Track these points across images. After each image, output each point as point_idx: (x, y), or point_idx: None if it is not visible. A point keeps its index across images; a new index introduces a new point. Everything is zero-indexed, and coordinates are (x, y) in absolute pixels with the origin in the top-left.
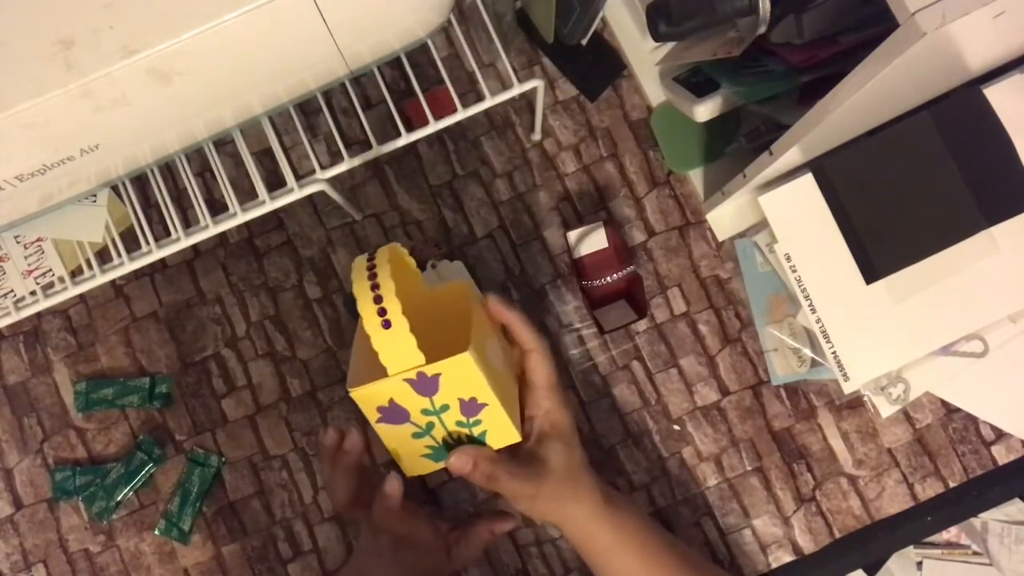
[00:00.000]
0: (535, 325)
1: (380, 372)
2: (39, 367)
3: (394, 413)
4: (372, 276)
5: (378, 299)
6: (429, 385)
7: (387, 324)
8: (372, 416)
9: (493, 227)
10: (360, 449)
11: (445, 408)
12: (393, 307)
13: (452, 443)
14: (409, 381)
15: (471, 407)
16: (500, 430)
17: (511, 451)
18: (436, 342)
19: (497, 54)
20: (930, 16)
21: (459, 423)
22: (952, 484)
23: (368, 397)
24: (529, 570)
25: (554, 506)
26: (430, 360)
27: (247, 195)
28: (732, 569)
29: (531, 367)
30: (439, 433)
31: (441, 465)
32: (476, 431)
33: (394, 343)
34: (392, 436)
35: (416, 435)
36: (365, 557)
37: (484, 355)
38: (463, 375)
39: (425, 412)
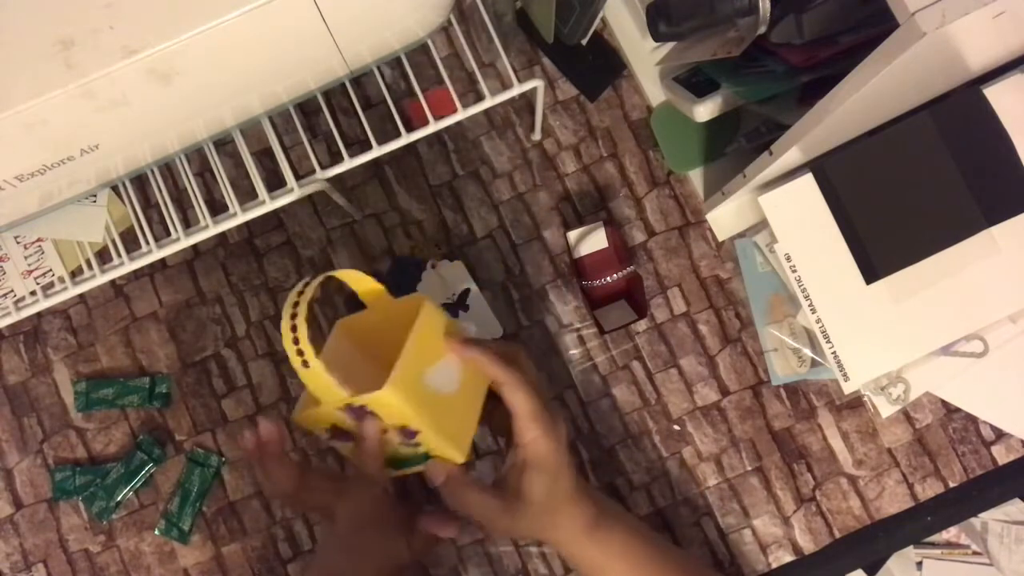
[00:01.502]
0: (511, 354)
1: (318, 402)
2: (39, 367)
3: (340, 434)
4: (293, 316)
5: (295, 340)
6: (362, 413)
7: (306, 364)
8: (323, 435)
9: (493, 227)
10: (278, 436)
11: (385, 431)
12: (308, 349)
13: (402, 459)
14: (343, 410)
15: (407, 432)
16: (441, 452)
17: (497, 475)
18: (391, 357)
19: (497, 54)
20: (930, 16)
21: (402, 443)
22: (952, 484)
23: (310, 422)
24: (529, 570)
25: (531, 534)
26: (358, 391)
27: (247, 195)
28: (732, 569)
29: (508, 400)
30: (389, 447)
31: (400, 473)
32: (421, 450)
33: (315, 380)
34: (347, 450)
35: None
36: (324, 550)
37: (415, 384)
38: (389, 407)
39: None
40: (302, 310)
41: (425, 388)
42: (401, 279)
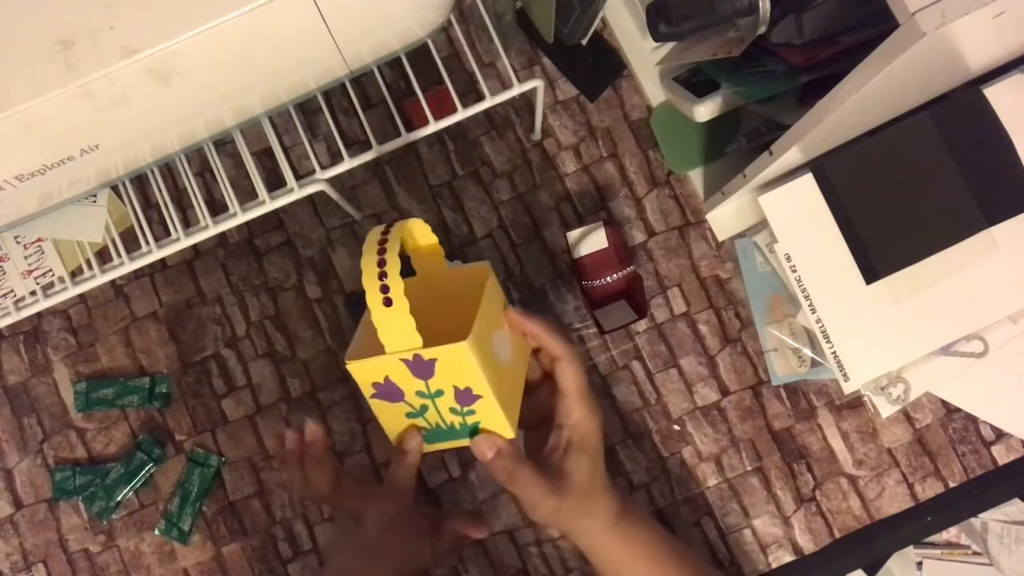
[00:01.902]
0: (563, 331)
1: (380, 348)
2: (39, 367)
3: (389, 391)
4: (381, 251)
5: (383, 275)
6: (425, 368)
7: (388, 302)
8: (367, 391)
9: (493, 227)
10: (322, 436)
11: (440, 393)
12: (396, 286)
13: (445, 428)
14: (405, 362)
15: (466, 396)
16: (493, 423)
17: (537, 458)
18: (444, 324)
19: (497, 54)
20: (930, 16)
21: (453, 410)
22: (952, 484)
23: (364, 371)
24: (529, 570)
25: (568, 519)
26: (428, 344)
27: (247, 195)
28: (732, 569)
29: (560, 375)
30: (432, 417)
31: (430, 448)
32: (469, 420)
33: (393, 322)
34: (386, 413)
35: (409, 415)
36: (342, 552)
37: (485, 346)
38: (459, 364)
39: (420, 394)
40: (393, 246)
41: (492, 352)
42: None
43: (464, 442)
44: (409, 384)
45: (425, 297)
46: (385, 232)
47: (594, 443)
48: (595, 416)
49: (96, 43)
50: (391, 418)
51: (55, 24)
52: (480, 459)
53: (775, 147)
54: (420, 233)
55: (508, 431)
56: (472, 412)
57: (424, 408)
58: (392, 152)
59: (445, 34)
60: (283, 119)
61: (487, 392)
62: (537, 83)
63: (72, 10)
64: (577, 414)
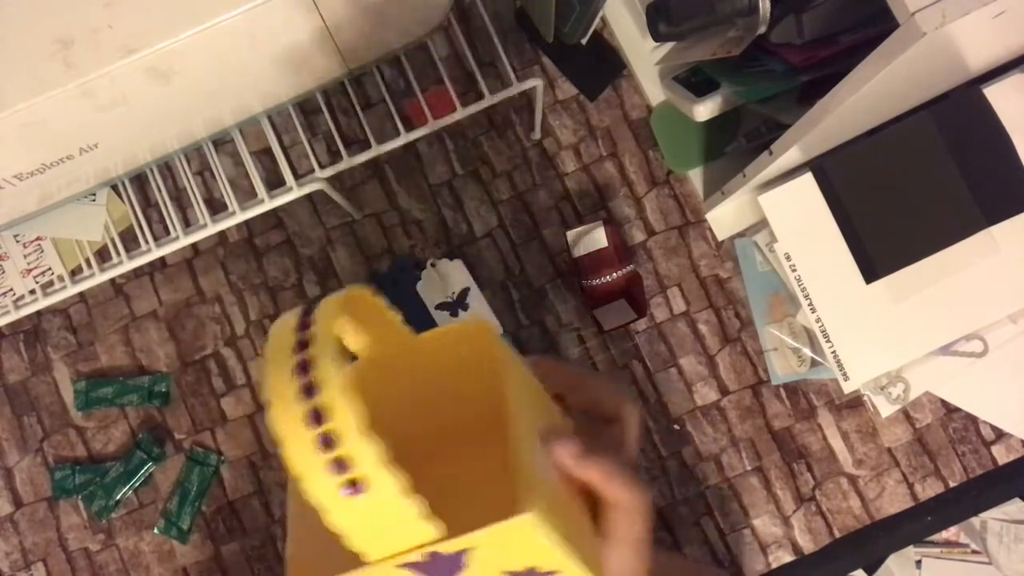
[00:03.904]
0: (631, 471)
1: (346, 553)
2: (39, 366)
3: None
4: (303, 368)
5: (326, 440)
6: (445, 565)
7: (354, 488)
8: None
9: (493, 226)
10: None
11: None
12: (362, 450)
13: None
14: (413, 567)
15: None
16: None
17: None
18: (444, 448)
19: (497, 54)
20: (930, 16)
21: None
22: (952, 484)
23: None
24: None
25: None
26: (449, 518)
27: (246, 194)
28: (732, 569)
29: (614, 521)
30: None
31: None
32: None
33: (376, 516)
34: None
35: None
36: None
37: (546, 491)
38: (518, 544)
39: None
40: (322, 351)
41: (551, 489)
42: (400, 278)
43: None
44: None
45: (391, 396)
46: (303, 326)
47: None
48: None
49: (95, 42)
50: None
51: (54, 23)
52: None
53: (775, 147)
54: (364, 313)
55: None
56: None
57: None
58: (391, 151)
59: (445, 34)
60: (282, 118)
61: (566, 566)
62: (536, 82)
63: (71, 10)
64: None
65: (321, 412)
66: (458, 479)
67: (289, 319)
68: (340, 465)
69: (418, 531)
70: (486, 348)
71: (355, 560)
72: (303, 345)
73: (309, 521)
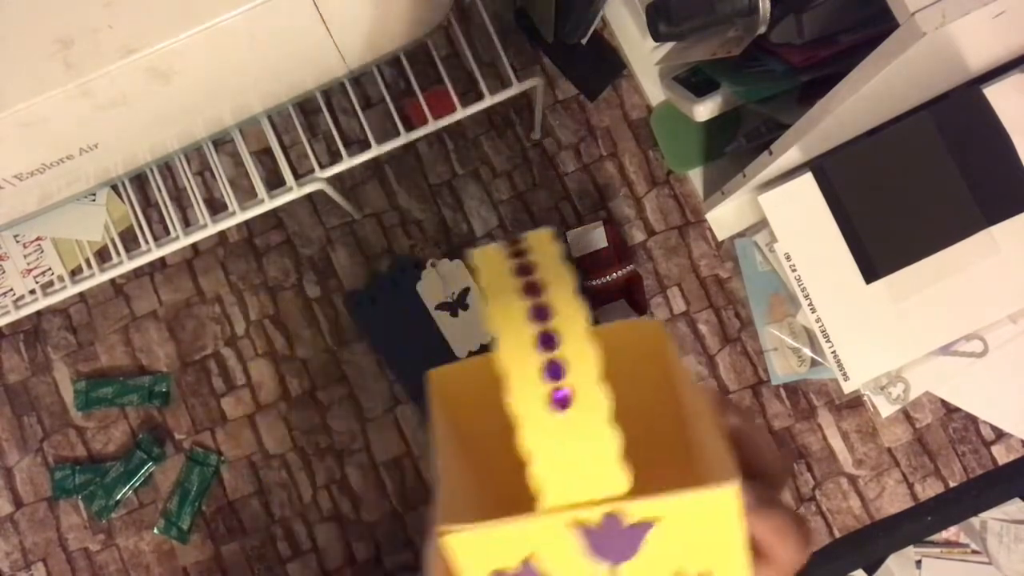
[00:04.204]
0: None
1: (514, 500)
2: (39, 366)
3: None
4: (532, 290)
5: (547, 340)
6: (619, 542)
7: (564, 401)
8: None
9: (493, 226)
10: None
11: None
12: (580, 363)
13: None
14: (583, 531)
15: None
16: None
17: None
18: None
19: (497, 54)
20: (930, 16)
21: None
22: (952, 484)
23: (478, 547)
24: None
25: None
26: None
27: (246, 194)
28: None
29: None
30: None
31: None
32: None
33: (573, 443)
34: None
35: None
36: None
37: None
38: (707, 527)
39: None
40: (555, 277)
41: None
42: (401, 278)
43: None
44: (574, 573)
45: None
46: (517, 253)
47: None
48: None
49: (95, 42)
50: None
51: (54, 23)
52: None
53: (775, 147)
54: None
55: None
56: None
57: None
58: (391, 151)
59: (445, 34)
60: (283, 118)
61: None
62: (536, 82)
63: (71, 9)
64: None
65: (546, 309)
66: (637, 456)
67: (491, 249)
68: (555, 370)
69: (609, 477)
70: (659, 345)
71: (523, 508)
72: (525, 269)
73: (462, 460)
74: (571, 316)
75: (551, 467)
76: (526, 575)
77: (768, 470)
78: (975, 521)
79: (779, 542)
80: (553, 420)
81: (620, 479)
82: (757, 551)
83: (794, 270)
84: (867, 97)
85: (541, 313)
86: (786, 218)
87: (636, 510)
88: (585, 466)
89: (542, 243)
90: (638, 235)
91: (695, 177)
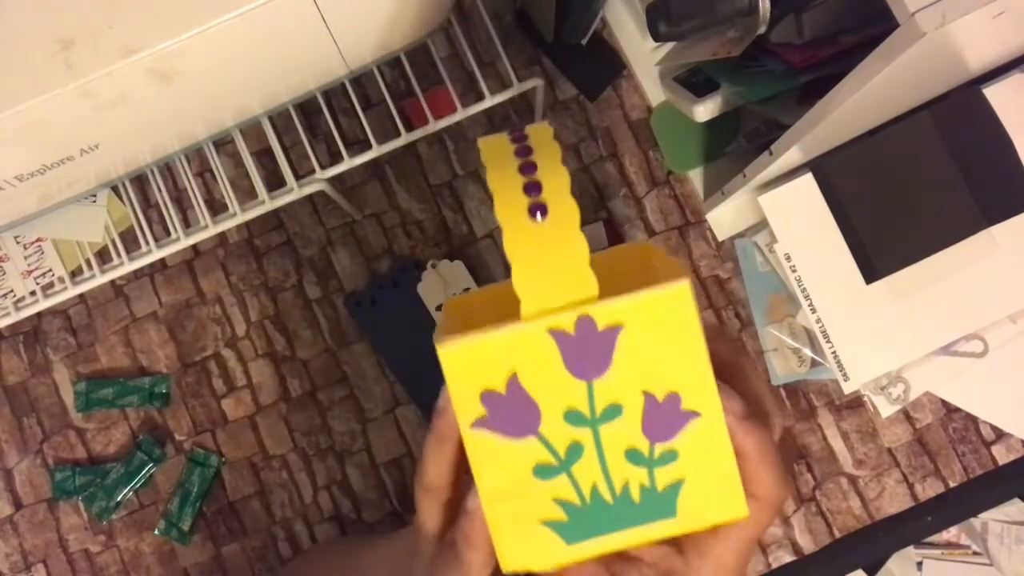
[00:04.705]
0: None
1: (501, 315)
2: (39, 367)
3: (509, 409)
4: (523, 150)
5: (528, 168)
6: (593, 351)
7: (539, 210)
8: (466, 412)
9: (493, 227)
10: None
11: (614, 414)
12: (556, 184)
13: (604, 506)
14: (557, 335)
15: (665, 417)
16: (713, 477)
17: None
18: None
19: (497, 54)
20: (930, 16)
21: (632, 454)
22: (952, 484)
23: (469, 364)
24: None
25: None
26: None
27: (247, 195)
28: None
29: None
30: (587, 475)
31: (578, 556)
32: (665, 477)
33: (547, 250)
34: (494, 465)
35: (542, 471)
36: None
37: None
38: (669, 332)
39: (572, 417)
40: (545, 150)
41: None
42: (401, 279)
43: (650, 532)
44: (554, 391)
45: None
46: (517, 139)
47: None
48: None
49: (96, 43)
50: (501, 479)
51: (55, 24)
52: None
53: (775, 147)
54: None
55: (740, 501)
56: (672, 455)
57: (574, 454)
58: (392, 152)
59: (445, 34)
60: (283, 119)
61: (713, 397)
62: (537, 83)
63: (72, 10)
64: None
65: (529, 148)
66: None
67: (499, 135)
68: (534, 189)
69: (580, 280)
70: (651, 255)
71: (508, 317)
72: (521, 140)
73: (465, 306)
74: (550, 156)
75: (529, 271)
76: (512, 394)
77: (756, 400)
78: (976, 522)
79: (762, 466)
80: (531, 226)
81: (590, 282)
82: (743, 482)
83: (794, 270)
84: (867, 97)
85: (527, 161)
86: (786, 218)
87: (604, 313)
88: (558, 270)
89: (541, 132)
90: (638, 235)
91: (695, 177)
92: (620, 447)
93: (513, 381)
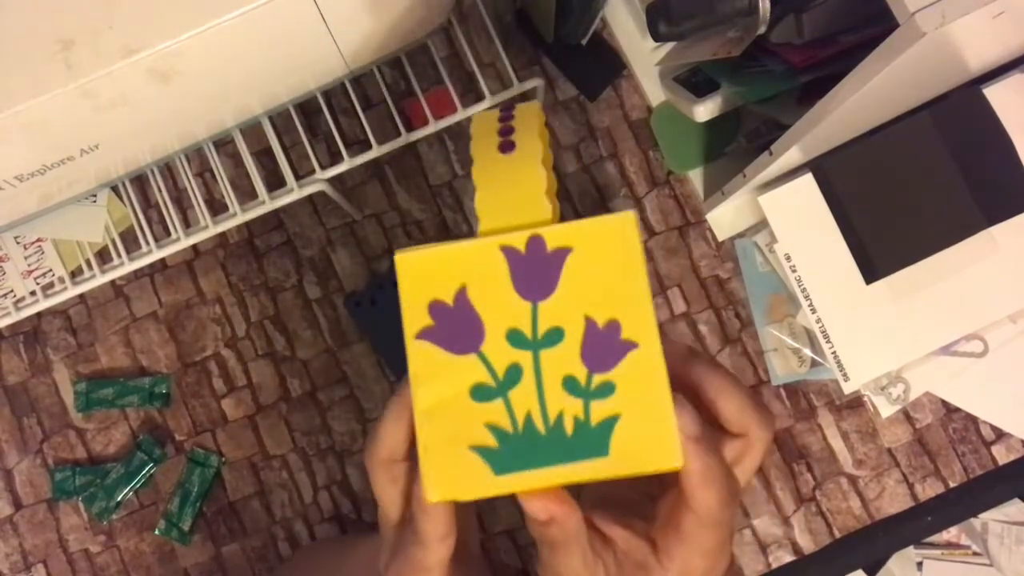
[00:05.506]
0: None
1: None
2: (39, 367)
3: (455, 323)
4: (507, 117)
5: (505, 119)
6: (541, 272)
7: (508, 146)
8: (413, 320)
9: None
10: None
11: (555, 338)
12: (527, 133)
13: (539, 435)
14: (508, 252)
15: (605, 345)
16: (648, 418)
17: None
18: None
19: (497, 54)
20: (930, 16)
21: (569, 382)
22: (952, 484)
23: (421, 270)
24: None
25: None
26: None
27: (247, 195)
28: (731, 569)
29: (737, 450)
30: (522, 401)
31: (505, 488)
32: (600, 411)
33: (507, 176)
34: (433, 380)
35: (479, 392)
36: None
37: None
38: (612, 262)
39: (514, 338)
40: (526, 120)
41: None
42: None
43: (581, 470)
44: (500, 310)
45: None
46: (507, 107)
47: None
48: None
49: (96, 43)
50: (436, 394)
51: (55, 24)
52: (532, 517)
53: (775, 147)
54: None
55: (674, 444)
56: (610, 388)
57: (512, 377)
58: (392, 152)
59: (445, 34)
60: (283, 119)
61: (652, 329)
62: (537, 83)
63: (72, 10)
64: (701, 545)
65: (513, 116)
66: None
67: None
68: (507, 132)
69: (536, 206)
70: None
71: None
72: (508, 119)
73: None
74: (530, 112)
75: (490, 195)
76: (459, 307)
77: (727, 411)
78: (976, 523)
79: (701, 487)
80: (498, 157)
81: (545, 208)
82: (684, 496)
83: (794, 270)
84: (867, 97)
85: (508, 117)
86: (786, 218)
87: (554, 235)
88: (517, 195)
89: (528, 107)
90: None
91: (695, 177)
92: (558, 374)
93: (461, 294)
